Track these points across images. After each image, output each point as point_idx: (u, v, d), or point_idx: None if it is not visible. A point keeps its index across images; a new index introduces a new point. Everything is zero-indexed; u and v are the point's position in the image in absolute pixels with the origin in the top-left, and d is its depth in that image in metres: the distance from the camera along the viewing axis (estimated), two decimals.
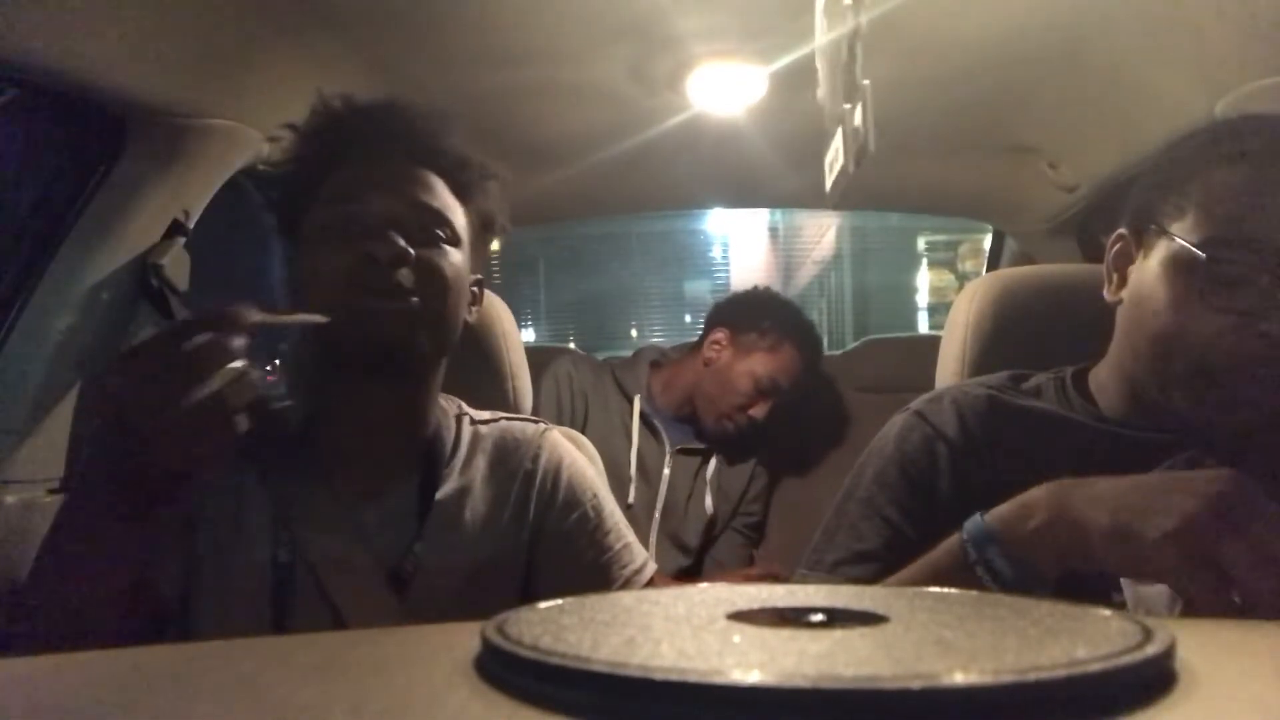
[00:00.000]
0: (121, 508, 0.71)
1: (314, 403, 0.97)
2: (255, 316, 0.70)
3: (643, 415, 1.84)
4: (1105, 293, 0.90)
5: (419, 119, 0.95)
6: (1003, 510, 0.69)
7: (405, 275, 0.86)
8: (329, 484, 0.91)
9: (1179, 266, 0.80)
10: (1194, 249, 0.78)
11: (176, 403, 0.65)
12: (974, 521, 0.70)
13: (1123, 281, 0.88)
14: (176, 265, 1.23)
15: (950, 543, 0.72)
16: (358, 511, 0.91)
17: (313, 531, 0.88)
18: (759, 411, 1.81)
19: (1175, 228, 0.81)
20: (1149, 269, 0.84)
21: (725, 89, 1.44)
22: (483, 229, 1.00)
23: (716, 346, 1.88)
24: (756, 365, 1.82)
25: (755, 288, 2.02)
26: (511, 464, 0.98)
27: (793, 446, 2.03)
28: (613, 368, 1.93)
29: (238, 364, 0.68)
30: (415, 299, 0.87)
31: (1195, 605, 0.58)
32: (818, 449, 2.05)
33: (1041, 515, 0.66)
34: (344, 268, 0.86)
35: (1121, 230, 0.89)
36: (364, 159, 0.92)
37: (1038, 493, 0.68)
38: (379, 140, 0.93)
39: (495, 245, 1.12)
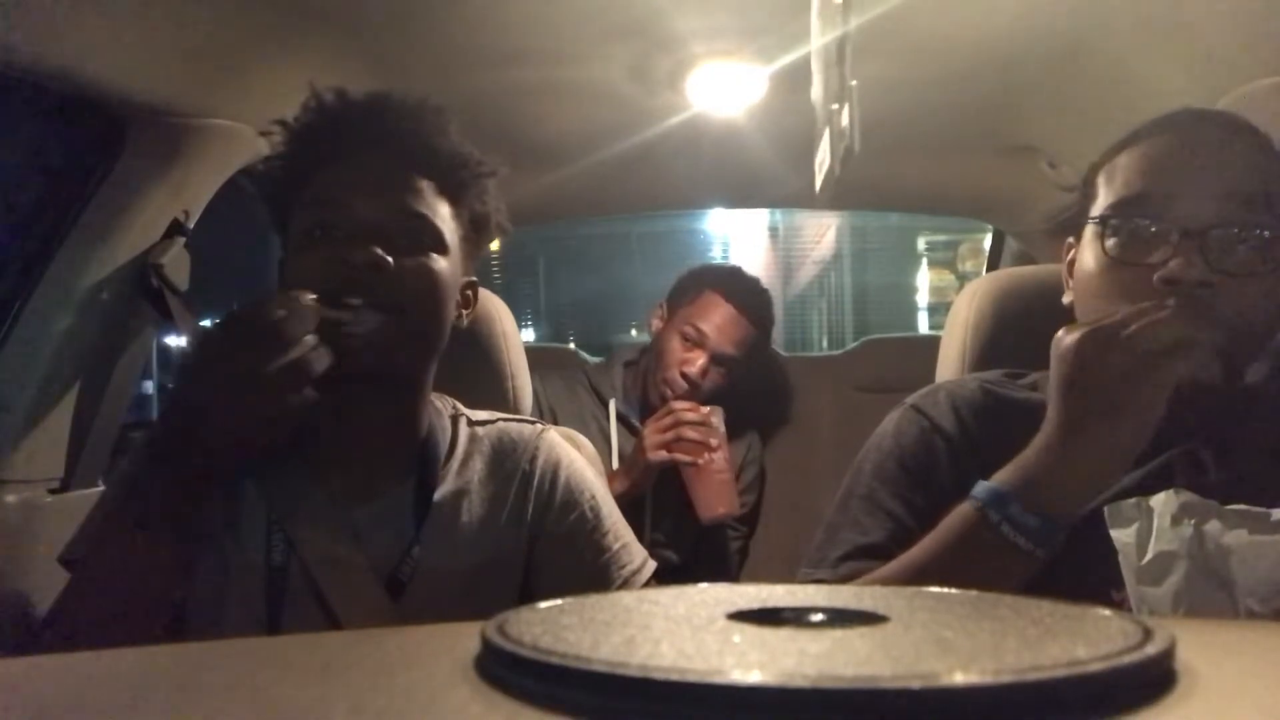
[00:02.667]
0: (182, 484, 0.78)
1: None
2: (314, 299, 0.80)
3: (620, 415, 1.82)
4: (1064, 299, 0.94)
5: (410, 117, 0.93)
6: (1007, 473, 0.75)
7: (384, 284, 0.84)
8: (324, 485, 0.91)
9: (1093, 241, 0.86)
10: (1097, 220, 0.86)
11: (266, 364, 0.74)
12: (983, 487, 0.75)
13: None
14: (176, 265, 1.23)
15: (961, 512, 0.76)
16: (353, 512, 0.90)
17: (307, 532, 0.88)
18: (694, 368, 1.75)
19: (1090, 213, 0.88)
20: (1080, 258, 0.89)
21: (725, 89, 1.44)
22: (476, 231, 0.98)
23: (656, 321, 1.87)
24: (682, 320, 1.79)
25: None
26: (509, 465, 0.98)
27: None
28: (586, 373, 1.91)
29: (311, 338, 0.78)
30: (393, 309, 0.85)
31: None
32: (817, 449, 2.05)
33: (1044, 460, 0.73)
34: (321, 275, 0.84)
35: (1070, 239, 0.95)
36: (350, 160, 0.90)
37: (1027, 451, 0.75)
38: (366, 140, 0.91)
39: (495, 245, 1.11)
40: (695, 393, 1.75)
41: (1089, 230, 0.87)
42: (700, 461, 1.65)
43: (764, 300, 1.88)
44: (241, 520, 0.89)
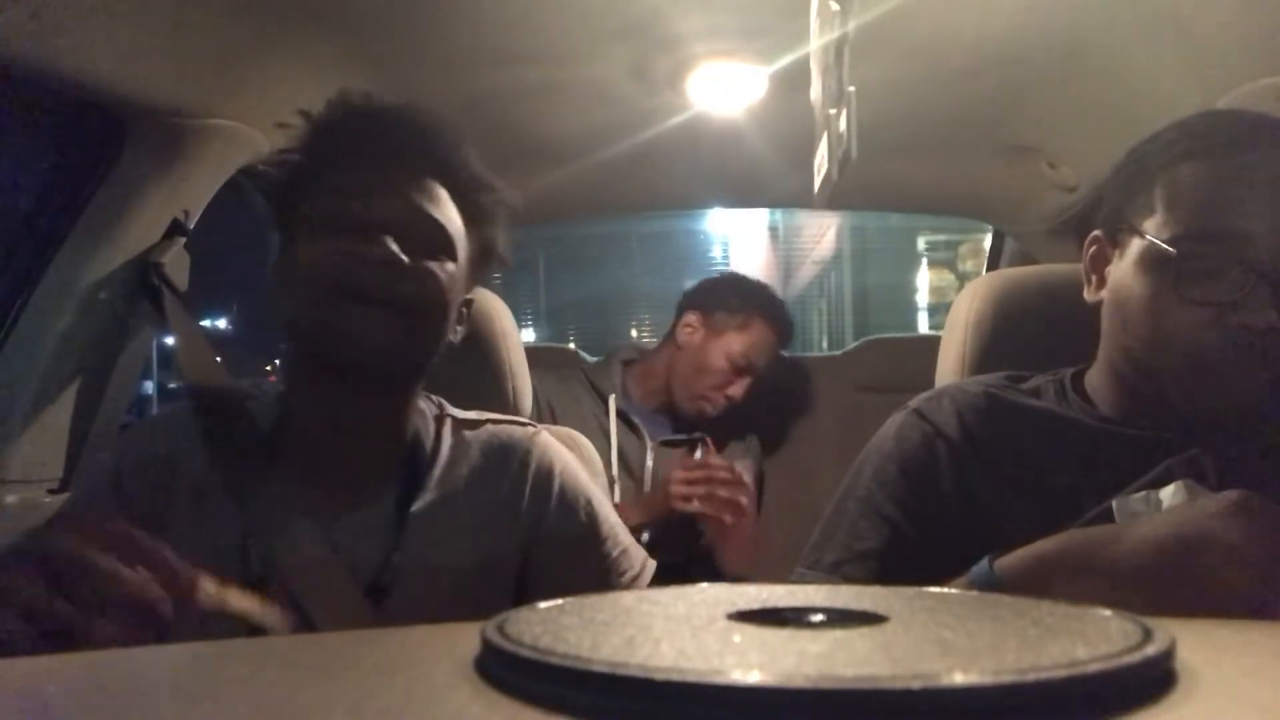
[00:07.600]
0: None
1: (287, 409, 0.94)
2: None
3: (620, 412, 1.83)
4: (1085, 294, 0.91)
5: (441, 131, 0.93)
6: (1013, 561, 0.68)
7: (393, 282, 0.84)
8: (303, 494, 0.88)
9: (1153, 264, 0.81)
10: (1165, 246, 0.80)
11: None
12: (981, 568, 0.69)
13: (1101, 282, 0.90)
14: (176, 265, 1.23)
15: (963, 579, 0.71)
16: (333, 522, 0.87)
17: (285, 543, 0.85)
18: (736, 390, 1.80)
19: (1146, 226, 0.83)
20: (1125, 269, 0.85)
21: (725, 89, 1.44)
22: (482, 255, 0.98)
23: (689, 329, 1.88)
24: (731, 343, 1.82)
25: (722, 273, 2.05)
26: (499, 469, 0.95)
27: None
28: (585, 371, 1.92)
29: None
30: (398, 307, 0.84)
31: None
32: (817, 448, 2.05)
33: (1055, 568, 0.65)
34: (330, 265, 0.83)
35: (1096, 232, 0.91)
36: (373, 158, 0.89)
37: (1049, 545, 0.67)
38: (393, 142, 0.90)
39: None
40: (730, 406, 1.82)
41: (1148, 249, 0.81)
42: (727, 519, 1.60)
43: (790, 320, 1.96)
44: (217, 531, 0.86)
